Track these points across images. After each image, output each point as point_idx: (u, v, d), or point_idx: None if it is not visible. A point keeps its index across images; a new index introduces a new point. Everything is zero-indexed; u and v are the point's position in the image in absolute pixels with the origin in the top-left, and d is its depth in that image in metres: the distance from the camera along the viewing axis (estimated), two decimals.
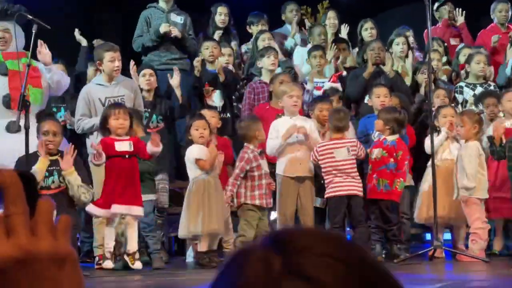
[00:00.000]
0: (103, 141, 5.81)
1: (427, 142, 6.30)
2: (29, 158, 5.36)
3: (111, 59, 6.34)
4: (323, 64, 7.43)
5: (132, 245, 5.77)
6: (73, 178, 5.73)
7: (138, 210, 5.75)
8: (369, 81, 7.14)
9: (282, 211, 6.15)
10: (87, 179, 6.01)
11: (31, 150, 5.43)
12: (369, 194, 6.17)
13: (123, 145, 5.78)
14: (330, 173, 6.08)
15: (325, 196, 6.13)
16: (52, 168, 5.82)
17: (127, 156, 5.77)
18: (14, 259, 0.72)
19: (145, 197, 5.94)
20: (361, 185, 6.12)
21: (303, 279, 0.73)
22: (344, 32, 8.37)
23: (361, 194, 6.09)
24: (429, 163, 6.25)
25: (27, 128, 5.28)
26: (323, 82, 7.31)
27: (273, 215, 6.68)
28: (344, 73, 7.48)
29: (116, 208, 5.66)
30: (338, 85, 7.22)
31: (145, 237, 6.05)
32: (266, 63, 7.20)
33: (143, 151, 5.80)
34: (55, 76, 6.39)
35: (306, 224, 6.13)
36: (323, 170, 6.12)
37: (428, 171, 6.28)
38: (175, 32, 7.42)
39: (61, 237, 0.75)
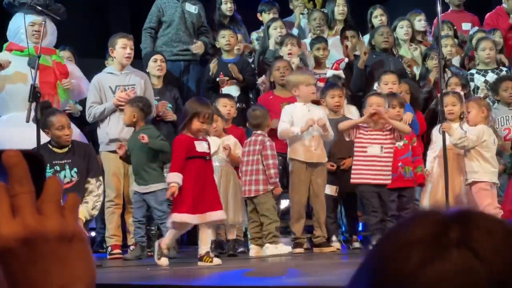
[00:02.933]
0: (180, 139, 5.38)
1: (434, 133, 6.31)
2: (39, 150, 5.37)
3: (123, 45, 6.39)
4: (326, 56, 7.40)
5: (203, 247, 5.34)
6: (83, 215, 5.62)
7: (221, 214, 5.36)
8: (373, 64, 7.14)
9: (296, 199, 6.12)
10: (100, 171, 6.02)
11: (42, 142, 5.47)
12: (396, 183, 6.08)
13: (202, 146, 5.38)
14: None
15: (356, 181, 6.05)
16: (63, 161, 5.81)
17: (207, 158, 5.43)
18: (21, 239, 0.72)
19: (160, 186, 5.94)
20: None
21: (475, 256, 0.73)
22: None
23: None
24: (435, 153, 6.26)
25: (38, 120, 5.31)
26: (325, 74, 7.29)
27: (284, 203, 6.67)
28: (346, 60, 7.46)
29: (196, 218, 5.25)
30: (340, 72, 7.20)
31: (160, 225, 6.05)
32: (284, 51, 7.17)
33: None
34: (83, 94, 6.55)
35: (318, 212, 6.12)
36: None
37: (435, 162, 6.30)
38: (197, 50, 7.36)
39: (69, 215, 0.75)
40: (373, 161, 5.99)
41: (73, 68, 6.69)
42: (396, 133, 6.00)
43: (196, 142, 5.32)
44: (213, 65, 7.11)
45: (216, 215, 5.28)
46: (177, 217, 5.25)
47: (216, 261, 5.25)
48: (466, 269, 0.72)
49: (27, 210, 0.73)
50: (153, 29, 7.51)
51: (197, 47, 7.39)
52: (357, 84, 7.22)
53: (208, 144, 5.43)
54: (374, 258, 0.77)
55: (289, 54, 7.10)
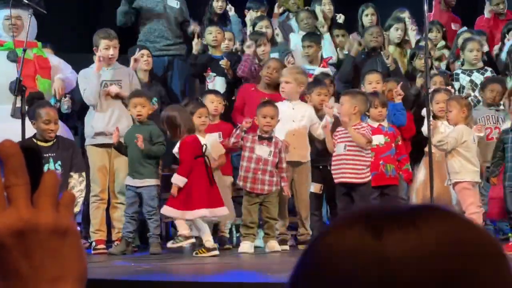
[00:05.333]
0: (190, 140, 5.72)
1: (424, 128, 6.32)
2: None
3: (105, 46, 6.36)
4: (314, 52, 7.39)
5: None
6: None
7: (223, 210, 5.71)
8: (361, 63, 7.19)
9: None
10: (84, 167, 6.01)
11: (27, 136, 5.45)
12: (377, 181, 6.09)
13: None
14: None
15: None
16: (48, 155, 5.80)
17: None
18: (14, 230, 0.72)
19: (150, 182, 5.99)
20: None
21: (376, 239, 0.72)
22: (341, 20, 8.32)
23: None
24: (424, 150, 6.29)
25: (23, 114, 5.28)
26: (314, 69, 7.29)
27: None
28: (334, 57, 7.46)
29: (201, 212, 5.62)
30: (328, 70, 7.22)
31: (147, 220, 6.05)
32: (258, 52, 7.16)
33: None
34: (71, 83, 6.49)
35: (300, 210, 6.15)
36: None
37: (422, 161, 6.32)
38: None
39: (63, 210, 0.75)
40: (338, 160, 6.01)
41: (58, 62, 6.63)
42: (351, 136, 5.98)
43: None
44: (196, 45, 7.08)
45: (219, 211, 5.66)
46: (165, 210, 5.72)
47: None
48: (358, 246, 0.73)
49: (21, 202, 0.72)
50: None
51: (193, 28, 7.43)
52: (344, 73, 7.19)
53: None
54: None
55: (263, 54, 7.07)
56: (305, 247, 0.79)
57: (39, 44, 6.26)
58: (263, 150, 5.96)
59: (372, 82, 6.68)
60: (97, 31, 6.57)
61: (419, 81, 7.14)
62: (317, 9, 8.04)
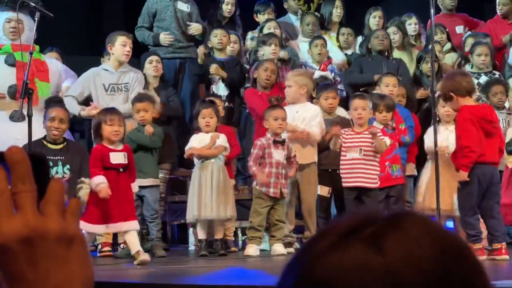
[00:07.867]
0: (96, 149, 5.42)
1: (426, 139, 6.28)
2: (31, 146, 5.35)
3: (123, 43, 6.44)
4: (323, 54, 7.39)
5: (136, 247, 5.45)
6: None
7: (134, 224, 5.41)
8: (367, 66, 7.20)
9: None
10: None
11: (34, 138, 5.45)
12: (384, 182, 6.03)
13: (118, 157, 5.40)
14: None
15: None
16: (57, 158, 5.80)
17: (121, 170, 5.40)
18: (21, 237, 0.72)
19: (154, 182, 6.02)
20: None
21: (379, 254, 0.74)
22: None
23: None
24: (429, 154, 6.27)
25: (29, 116, 5.29)
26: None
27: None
28: (334, 61, 7.47)
29: (112, 227, 5.37)
30: (327, 73, 7.22)
31: (149, 223, 6.04)
32: (267, 51, 7.17)
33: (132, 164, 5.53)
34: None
35: (304, 213, 6.15)
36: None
37: (428, 164, 6.29)
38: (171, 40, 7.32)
39: (70, 218, 0.75)
40: (353, 163, 5.92)
41: (59, 68, 6.62)
42: (375, 144, 5.90)
43: (111, 153, 5.35)
44: (201, 52, 7.09)
45: (130, 225, 5.36)
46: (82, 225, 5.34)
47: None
48: (363, 264, 0.73)
49: (28, 209, 0.73)
50: (145, 28, 7.51)
51: (194, 28, 7.39)
52: (355, 78, 7.20)
53: (129, 157, 5.45)
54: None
55: (273, 54, 7.08)
56: (292, 263, 0.78)
57: (37, 47, 6.29)
58: (279, 154, 5.92)
59: (389, 84, 6.64)
60: (110, 33, 6.60)
61: (426, 68, 7.15)
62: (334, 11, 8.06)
